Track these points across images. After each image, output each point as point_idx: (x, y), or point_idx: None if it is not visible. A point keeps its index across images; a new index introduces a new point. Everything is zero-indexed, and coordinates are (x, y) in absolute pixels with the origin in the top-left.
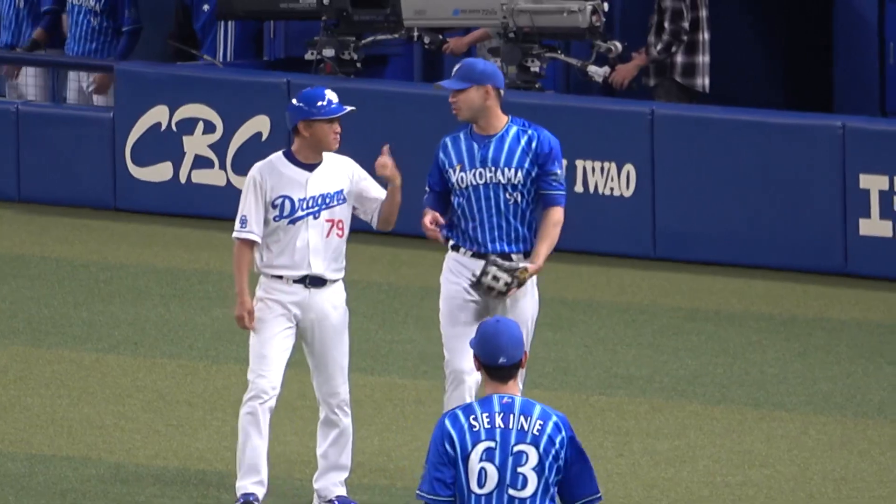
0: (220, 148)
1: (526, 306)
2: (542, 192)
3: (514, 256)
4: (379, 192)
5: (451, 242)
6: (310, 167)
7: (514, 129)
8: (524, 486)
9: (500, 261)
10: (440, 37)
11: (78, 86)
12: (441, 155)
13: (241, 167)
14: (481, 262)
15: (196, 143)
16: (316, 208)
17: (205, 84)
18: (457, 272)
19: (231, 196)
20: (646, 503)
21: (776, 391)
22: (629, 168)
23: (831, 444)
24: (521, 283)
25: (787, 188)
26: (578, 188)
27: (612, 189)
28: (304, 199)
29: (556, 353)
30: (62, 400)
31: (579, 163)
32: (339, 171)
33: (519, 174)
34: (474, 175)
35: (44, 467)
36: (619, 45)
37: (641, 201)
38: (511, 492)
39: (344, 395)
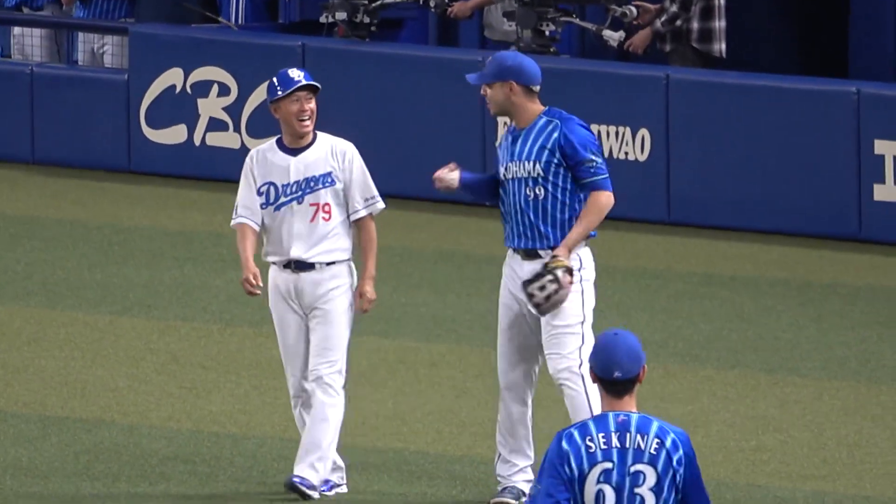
0: (234, 111)
1: (567, 312)
2: (581, 181)
3: (540, 252)
4: (358, 199)
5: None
6: (293, 151)
7: (541, 122)
8: None
9: (528, 278)
10: (445, 2)
11: (91, 48)
12: (498, 149)
13: (256, 130)
14: (518, 259)
15: (211, 106)
16: (299, 193)
17: (220, 47)
18: (509, 276)
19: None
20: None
21: (790, 356)
22: (644, 133)
23: (845, 409)
24: (566, 270)
25: (801, 153)
26: None
27: (626, 153)
28: (288, 184)
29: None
30: (76, 362)
31: (594, 127)
32: (328, 154)
33: (538, 167)
34: (506, 170)
35: (57, 429)
36: (634, 9)
37: (656, 166)
38: None
39: (325, 376)
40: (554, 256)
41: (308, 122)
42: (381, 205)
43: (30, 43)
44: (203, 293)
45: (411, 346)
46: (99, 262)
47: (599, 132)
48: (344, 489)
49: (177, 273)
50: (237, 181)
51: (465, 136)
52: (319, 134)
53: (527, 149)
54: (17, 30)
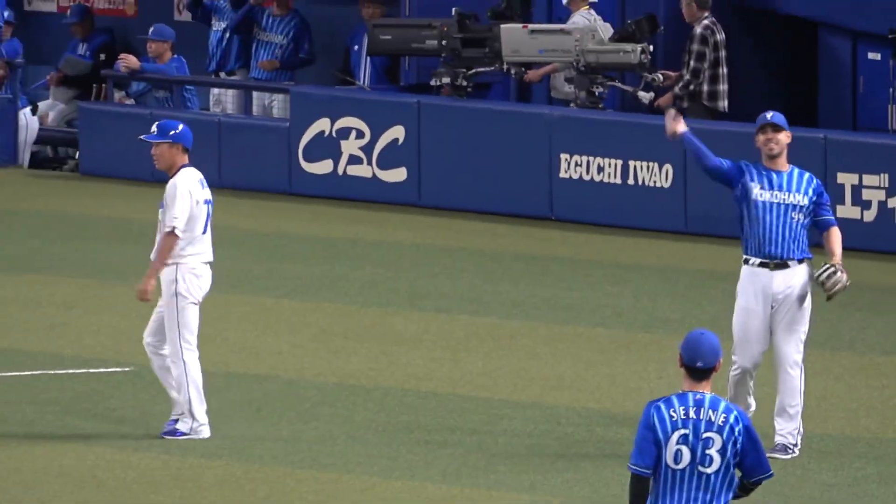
0: (367, 149)
1: (801, 318)
2: (820, 217)
3: (788, 262)
4: (165, 222)
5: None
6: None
7: (797, 170)
8: (710, 464)
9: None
10: (522, 69)
11: (263, 103)
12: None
13: (384, 163)
14: (767, 269)
15: (350, 146)
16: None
17: (356, 102)
18: (751, 281)
19: (376, 185)
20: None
21: None
22: (668, 167)
23: (814, 371)
24: (841, 270)
25: None
26: (630, 181)
27: (655, 182)
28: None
29: (613, 301)
30: (250, 333)
31: (631, 162)
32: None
33: (804, 199)
34: (772, 195)
35: (237, 382)
36: (660, 76)
37: (677, 191)
38: (700, 468)
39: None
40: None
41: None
42: None
43: (225, 99)
44: (343, 282)
45: (495, 322)
46: (266, 259)
47: (635, 166)
48: None
49: (324, 268)
50: (370, 201)
51: (534, 170)
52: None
53: (794, 184)
54: (215, 90)
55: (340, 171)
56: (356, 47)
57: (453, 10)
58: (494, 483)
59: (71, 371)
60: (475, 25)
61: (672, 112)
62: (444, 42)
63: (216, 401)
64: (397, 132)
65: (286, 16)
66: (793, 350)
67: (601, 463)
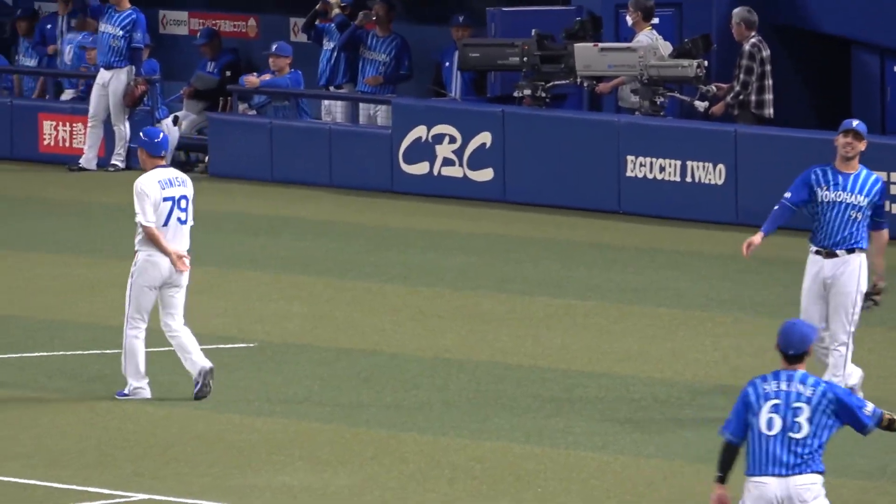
0: (459, 153)
1: (847, 301)
2: (877, 218)
3: (837, 252)
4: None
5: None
6: None
7: (864, 172)
8: (799, 430)
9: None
10: (594, 82)
11: (368, 112)
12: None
13: (473, 165)
14: (821, 256)
15: (444, 150)
16: None
17: (449, 112)
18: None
19: (466, 184)
20: (730, 378)
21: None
22: (721, 166)
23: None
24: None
25: None
26: (688, 179)
27: (710, 179)
28: None
29: (673, 284)
30: (357, 313)
31: (689, 163)
32: None
33: (864, 199)
34: (836, 195)
35: (345, 356)
36: (714, 87)
37: (729, 187)
38: (790, 434)
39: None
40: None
41: None
42: None
43: (334, 109)
44: (438, 269)
45: (572, 302)
46: (371, 249)
47: (692, 166)
48: None
49: (422, 256)
50: (460, 198)
51: (604, 169)
52: None
53: (858, 186)
54: (326, 101)
55: (435, 172)
56: (447, 63)
57: (533, 31)
58: (571, 443)
59: (201, 347)
60: (552, 44)
61: (745, 245)
62: (525, 59)
63: (328, 372)
64: (485, 137)
65: (388, 37)
66: (839, 329)
67: (664, 426)
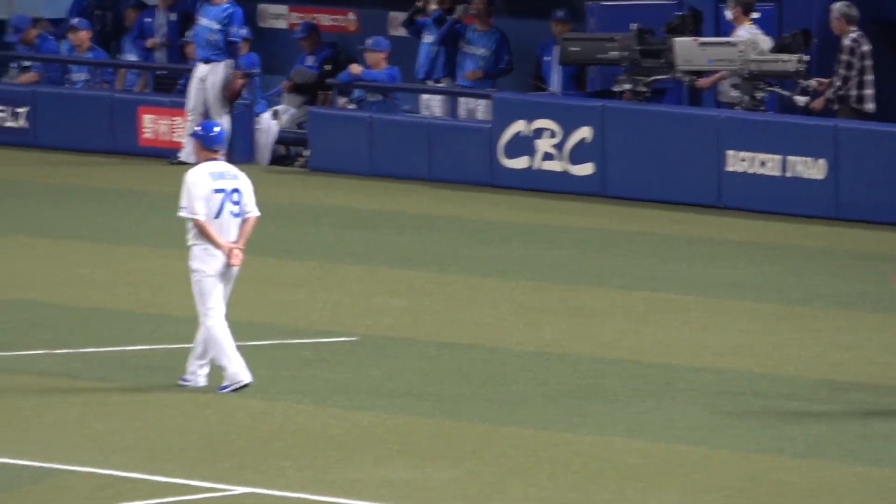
0: (559, 147)
1: None
2: None
3: None
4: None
5: None
6: None
7: None
8: None
9: None
10: (694, 77)
11: (467, 107)
12: None
13: (573, 159)
14: None
15: (543, 144)
16: None
17: (548, 106)
18: None
19: (566, 178)
20: (831, 373)
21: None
22: (822, 161)
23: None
24: None
25: None
26: (788, 173)
27: (810, 174)
28: None
29: (773, 279)
30: (458, 307)
31: (789, 157)
32: None
33: None
34: None
35: (447, 350)
36: (814, 82)
37: (829, 182)
38: None
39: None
40: None
41: None
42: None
43: (433, 104)
44: (538, 263)
45: (672, 297)
46: (472, 243)
47: (793, 161)
48: None
49: (522, 250)
50: (560, 192)
51: (704, 164)
52: None
53: None
54: (424, 95)
55: (535, 166)
56: (547, 58)
57: (633, 25)
58: (672, 437)
59: (302, 340)
60: (652, 39)
61: None
62: (625, 53)
63: (429, 366)
64: (585, 132)
65: (487, 31)
66: None
67: (766, 420)
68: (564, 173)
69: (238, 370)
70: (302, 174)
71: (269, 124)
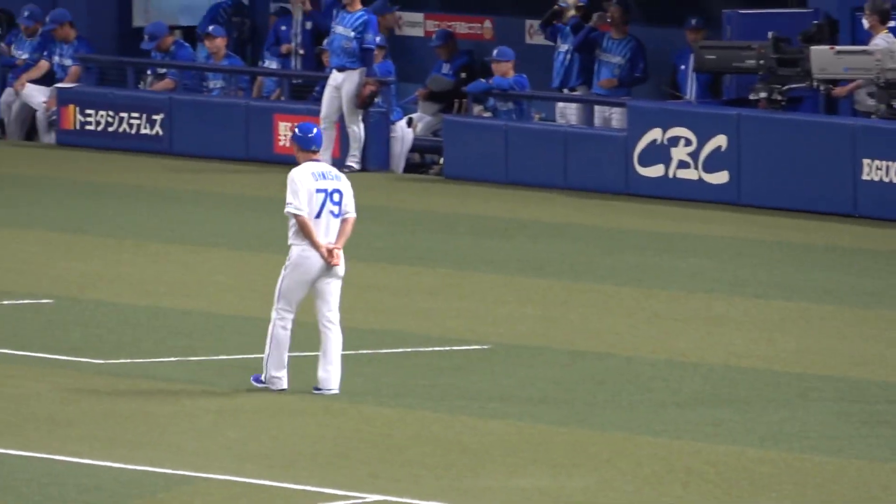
0: (694, 155)
1: None
2: None
3: None
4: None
5: None
6: None
7: None
8: None
9: None
10: (830, 85)
11: (602, 115)
12: None
13: (708, 167)
14: None
15: (678, 152)
16: None
17: (684, 114)
18: None
19: (701, 186)
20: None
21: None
22: None
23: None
24: None
25: None
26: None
27: None
28: None
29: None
30: (592, 316)
31: None
32: None
33: None
34: None
35: (582, 358)
36: None
37: None
38: None
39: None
40: None
41: None
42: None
43: (568, 112)
44: (673, 271)
45: (807, 306)
46: (607, 251)
47: None
48: None
49: (656, 259)
50: (695, 201)
51: (840, 173)
52: None
53: None
54: (559, 104)
55: (670, 175)
56: (682, 66)
57: (769, 34)
58: (806, 447)
59: (437, 349)
60: (788, 47)
61: None
62: (761, 62)
63: (562, 374)
64: (720, 140)
65: (624, 39)
66: None
67: None
68: (699, 181)
69: (280, 376)
70: (437, 182)
71: (404, 132)
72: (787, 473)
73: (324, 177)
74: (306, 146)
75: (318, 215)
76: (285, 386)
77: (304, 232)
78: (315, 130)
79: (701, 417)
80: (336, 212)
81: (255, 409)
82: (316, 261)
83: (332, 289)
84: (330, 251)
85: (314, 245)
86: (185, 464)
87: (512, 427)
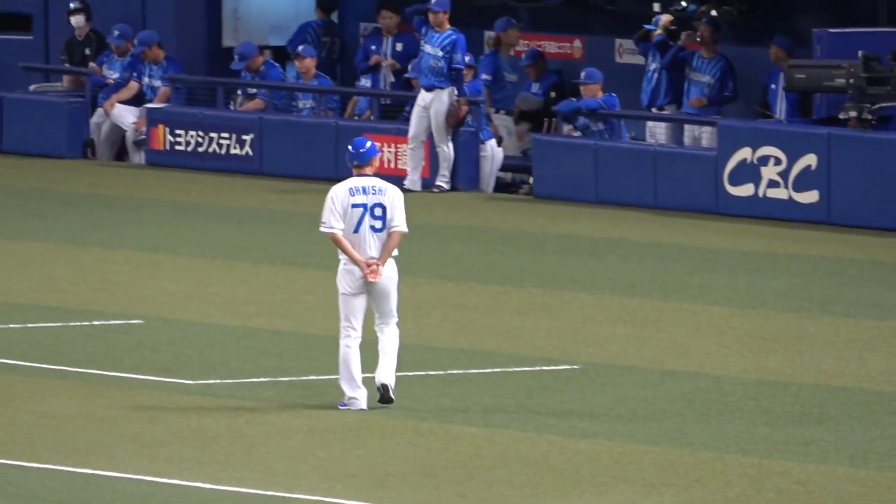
0: (784, 174)
1: None
2: None
3: None
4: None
5: None
6: None
7: None
8: None
9: None
10: None
11: (692, 134)
12: None
13: (798, 187)
14: None
15: (769, 171)
16: None
17: (773, 133)
18: None
19: (791, 206)
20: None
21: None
22: None
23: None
24: None
25: None
26: None
27: None
28: None
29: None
30: (682, 335)
31: None
32: None
33: None
34: None
35: (671, 378)
36: None
37: None
38: None
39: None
40: None
41: None
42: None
43: (657, 131)
44: (763, 290)
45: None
46: (696, 271)
47: None
48: None
49: (747, 279)
50: (785, 220)
51: None
52: None
53: None
54: (649, 122)
55: (760, 194)
56: (773, 86)
57: (859, 53)
58: None
59: (526, 368)
60: (878, 66)
61: None
62: (851, 80)
63: (652, 394)
64: (810, 159)
65: (713, 58)
66: None
67: None
68: (789, 201)
69: (356, 396)
70: (526, 202)
71: (494, 151)
72: (877, 492)
73: (363, 191)
74: (350, 160)
75: (357, 230)
76: (364, 406)
77: (340, 248)
78: (368, 145)
79: (791, 437)
80: (378, 226)
81: (345, 428)
82: (358, 274)
83: (383, 297)
84: (368, 265)
85: (353, 260)
86: (274, 484)
87: (601, 446)
